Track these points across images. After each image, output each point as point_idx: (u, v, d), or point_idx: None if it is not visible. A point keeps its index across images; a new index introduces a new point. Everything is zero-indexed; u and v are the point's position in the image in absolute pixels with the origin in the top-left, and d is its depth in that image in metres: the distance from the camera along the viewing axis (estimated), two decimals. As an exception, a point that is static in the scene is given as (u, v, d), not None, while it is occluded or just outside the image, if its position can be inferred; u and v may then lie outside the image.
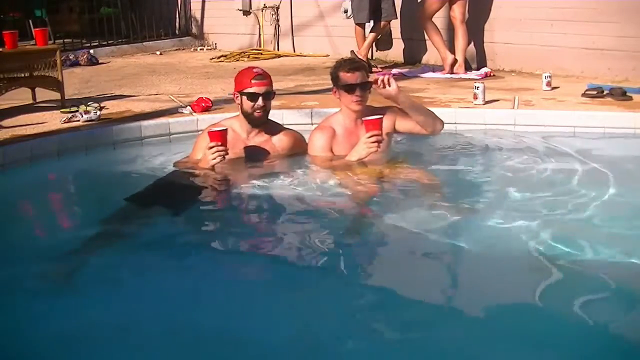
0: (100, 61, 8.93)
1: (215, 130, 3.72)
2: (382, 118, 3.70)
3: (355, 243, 3.22)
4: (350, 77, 3.83)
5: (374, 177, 3.82)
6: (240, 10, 9.88)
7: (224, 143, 3.69)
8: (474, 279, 2.88)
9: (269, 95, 3.87)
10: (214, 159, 3.68)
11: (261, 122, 3.93)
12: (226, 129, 3.74)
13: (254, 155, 3.98)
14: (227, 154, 3.71)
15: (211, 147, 3.67)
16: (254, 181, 3.86)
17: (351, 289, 2.79)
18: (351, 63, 3.93)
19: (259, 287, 2.79)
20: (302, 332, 2.43)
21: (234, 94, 3.94)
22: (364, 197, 3.72)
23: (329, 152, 3.94)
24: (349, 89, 3.82)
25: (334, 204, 3.59)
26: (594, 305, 2.58)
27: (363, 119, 3.73)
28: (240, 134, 3.97)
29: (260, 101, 3.82)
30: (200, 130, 4.21)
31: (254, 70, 3.91)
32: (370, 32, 7.49)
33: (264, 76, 3.87)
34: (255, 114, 3.85)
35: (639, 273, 2.77)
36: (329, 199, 3.63)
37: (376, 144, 3.66)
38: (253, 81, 3.83)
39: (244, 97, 3.84)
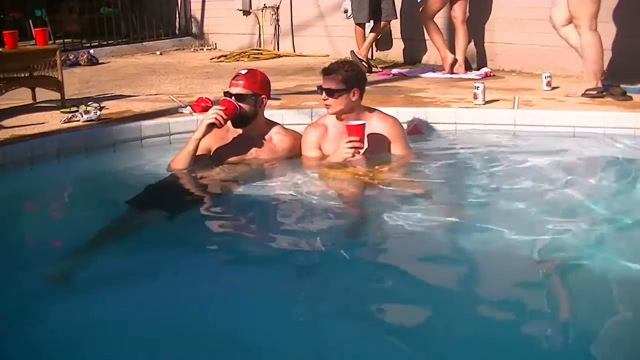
0: (100, 61, 8.92)
1: (230, 100, 3.80)
2: (363, 124, 3.73)
3: (352, 245, 3.22)
4: (322, 79, 3.91)
5: (359, 179, 3.83)
6: (240, 10, 9.88)
7: (229, 113, 3.76)
8: (471, 280, 2.88)
9: (240, 97, 3.84)
10: (211, 119, 3.74)
11: (237, 125, 3.92)
12: (237, 107, 3.80)
13: (255, 155, 3.98)
14: (220, 125, 3.77)
15: (216, 109, 3.76)
16: (254, 182, 3.87)
17: (350, 290, 2.79)
18: (328, 66, 3.95)
19: (258, 287, 2.79)
20: (301, 333, 2.43)
21: None
22: (351, 200, 3.74)
23: (317, 150, 3.98)
24: (318, 90, 3.92)
25: (326, 206, 3.60)
26: (592, 306, 2.58)
27: (345, 123, 3.76)
28: (242, 134, 3.98)
29: (238, 102, 3.84)
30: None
31: (239, 72, 3.93)
32: (370, 32, 7.48)
33: (242, 78, 3.87)
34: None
35: (637, 274, 2.77)
36: (321, 201, 3.63)
37: (352, 149, 3.69)
38: (232, 81, 3.89)
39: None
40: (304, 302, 2.67)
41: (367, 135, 3.80)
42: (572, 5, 5.40)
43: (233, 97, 3.85)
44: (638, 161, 4.28)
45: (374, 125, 3.92)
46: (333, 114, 3.91)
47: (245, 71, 3.94)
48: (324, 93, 3.87)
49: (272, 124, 4.09)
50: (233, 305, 2.63)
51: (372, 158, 3.91)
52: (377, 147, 3.91)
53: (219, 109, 3.78)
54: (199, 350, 2.32)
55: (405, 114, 4.89)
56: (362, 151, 3.78)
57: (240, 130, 3.95)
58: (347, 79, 3.84)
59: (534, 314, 2.52)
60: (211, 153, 3.96)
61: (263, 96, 3.94)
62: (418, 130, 4.86)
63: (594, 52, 5.43)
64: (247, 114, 3.88)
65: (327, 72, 3.91)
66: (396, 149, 3.97)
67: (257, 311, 2.57)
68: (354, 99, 3.87)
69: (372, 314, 2.58)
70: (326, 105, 3.90)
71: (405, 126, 4.47)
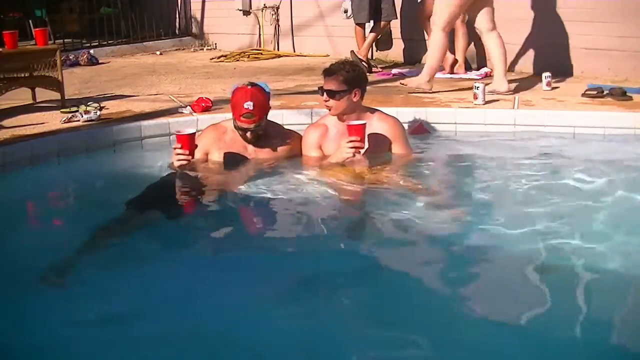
0: (100, 61, 8.92)
1: (182, 134, 3.68)
2: (364, 124, 3.73)
3: (352, 245, 3.23)
4: (323, 80, 3.90)
5: (360, 179, 3.83)
6: (240, 10, 9.88)
7: (187, 147, 3.63)
8: (472, 280, 2.88)
9: (257, 128, 3.84)
10: (177, 161, 3.68)
11: (253, 142, 3.92)
12: (193, 133, 3.69)
13: (254, 156, 3.98)
14: (189, 160, 3.67)
15: (174, 149, 3.68)
16: (254, 182, 3.86)
17: (349, 290, 2.79)
18: (329, 66, 3.95)
19: (257, 287, 2.79)
20: (300, 332, 2.43)
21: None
22: (352, 200, 3.75)
23: (318, 150, 3.98)
24: (320, 91, 3.91)
25: (327, 206, 3.60)
26: (592, 307, 2.58)
27: (346, 123, 3.76)
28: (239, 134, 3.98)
29: (249, 135, 3.85)
30: (200, 131, 4.21)
31: (244, 106, 3.76)
32: (370, 32, 7.48)
33: (253, 114, 3.77)
34: (249, 137, 3.88)
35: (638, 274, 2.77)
36: (321, 201, 3.63)
37: (353, 149, 3.69)
38: (242, 118, 3.80)
39: (237, 124, 3.85)
40: (303, 301, 2.67)
41: (368, 136, 3.80)
42: (436, 4, 5.82)
43: (251, 134, 3.84)
44: (638, 161, 4.28)
45: (375, 125, 3.92)
46: (334, 114, 3.91)
47: (252, 104, 3.75)
48: (325, 94, 3.86)
49: (271, 124, 4.08)
50: (232, 305, 2.63)
51: (372, 158, 3.91)
52: (378, 147, 3.91)
53: (178, 150, 3.66)
54: (198, 349, 2.32)
55: (405, 114, 4.89)
56: (362, 151, 3.78)
57: (237, 131, 3.96)
58: (348, 80, 3.84)
59: (533, 314, 2.52)
60: (210, 154, 3.95)
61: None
62: (423, 129, 4.87)
63: (438, 51, 5.75)
64: (260, 132, 3.89)
65: (328, 72, 3.90)
66: (397, 149, 3.98)
67: (256, 310, 2.57)
68: (355, 99, 3.87)
69: (371, 313, 2.58)
70: (327, 106, 3.89)
71: (406, 126, 4.47)
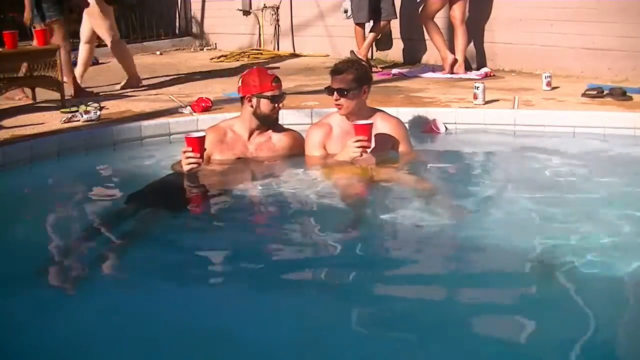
0: (100, 61, 8.91)
1: (192, 137, 3.66)
2: (371, 124, 3.72)
3: (351, 244, 3.23)
4: (331, 80, 3.88)
5: (367, 178, 3.83)
6: (240, 10, 9.88)
7: (198, 150, 3.62)
8: (473, 280, 2.87)
9: (284, 97, 3.98)
10: (187, 164, 3.66)
11: (275, 122, 3.99)
12: (203, 136, 3.68)
13: (255, 155, 3.99)
14: (199, 163, 3.67)
15: (184, 152, 3.66)
16: (255, 181, 3.87)
17: (349, 289, 2.80)
18: (335, 66, 3.95)
19: (258, 286, 2.79)
20: (301, 332, 2.43)
21: (247, 96, 3.91)
22: (359, 198, 3.74)
23: (322, 150, 3.98)
24: (328, 91, 3.90)
25: (331, 204, 3.60)
26: (592, 307, 2.57)
27: (352, 123, 3.76)
28: (242, 134, 3.98)
29: (276, 110, 3.92)
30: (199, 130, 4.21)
31: (269, 73, 3.98)
32: (370, 32, 7.49)
33: (279, 78, 3.95)
34: (274, 115, 3.93)
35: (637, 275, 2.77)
36: (326, 199, 3.63)
37: (361, 148, 3.69)
38: (274, 84, 3.89)
39: (264, 100, 3.87)
40: (304, 300, 2.67)
41: (373, 135, 3.80)
42: (91, 20, 6.94)
43: (280, 106, 3.93)
44: (638, 161, 4.29)
45: (379, 125, 3.91)
46: (345, 114, 3.89)
47: (273, 72, 4.03)
48: (335, 93, 3.85)
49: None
50: (233, 303, 2.63)
51: (377, 157, 3.91)
52: (382, 147, 3.92)
53: (189, 153, 3.64)
54: (197, 348, 2.32)
55: (405, 114, 4.88)
56: (369, 150, 3.78)
57: (238, 131, 3.96)
58: (358, 78, 3.84)
59: (533, 314, 2.52)
60: (211, 155, 3.95)
61: None
62: (435, 129, 4.86)
63: (122, 52, 6.83)
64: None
65: (337, 72, 3.89)
66: (400, 149, 3.98)
67: (256, 310, 2.57)
68: (364, 97, 3.89)
69: (373, 313, 2.58)
70: (338, 105, 3.88)
71: (408, 126, 4.47)
